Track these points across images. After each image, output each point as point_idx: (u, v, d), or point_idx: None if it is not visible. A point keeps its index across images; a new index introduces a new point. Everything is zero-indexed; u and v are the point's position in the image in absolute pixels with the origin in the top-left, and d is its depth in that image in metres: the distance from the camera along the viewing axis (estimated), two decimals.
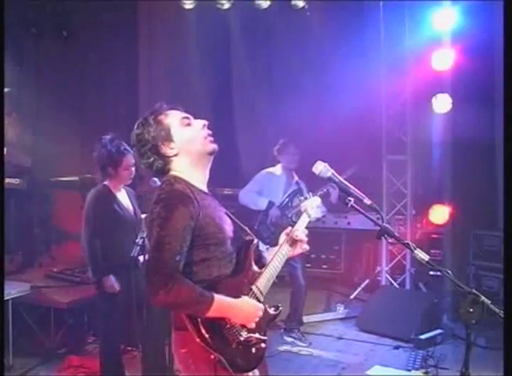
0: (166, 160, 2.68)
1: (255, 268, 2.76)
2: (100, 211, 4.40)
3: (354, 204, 2.67)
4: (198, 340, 2.47)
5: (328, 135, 7.23)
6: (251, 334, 2.61)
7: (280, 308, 2.83)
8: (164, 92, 8.01)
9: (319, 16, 7.79)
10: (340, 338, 6.42)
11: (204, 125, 2.73)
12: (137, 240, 4.07)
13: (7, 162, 6.09)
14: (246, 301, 2.60)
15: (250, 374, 2.67)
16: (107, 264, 4.40)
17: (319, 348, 6.13)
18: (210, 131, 2.73)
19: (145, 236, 4.09)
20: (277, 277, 6.78)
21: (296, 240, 2.84)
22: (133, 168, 4.49)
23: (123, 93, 8.06)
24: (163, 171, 2.70)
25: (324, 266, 8.53)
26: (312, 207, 2.96)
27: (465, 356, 2.40)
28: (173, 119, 2.70)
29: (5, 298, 4.97)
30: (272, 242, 2.90)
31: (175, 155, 2.67)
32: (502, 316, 2.39)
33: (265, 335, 2.71)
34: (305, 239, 2.85)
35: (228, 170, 6.99)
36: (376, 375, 5.39)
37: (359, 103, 7.11)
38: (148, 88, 8.35)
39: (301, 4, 7.72)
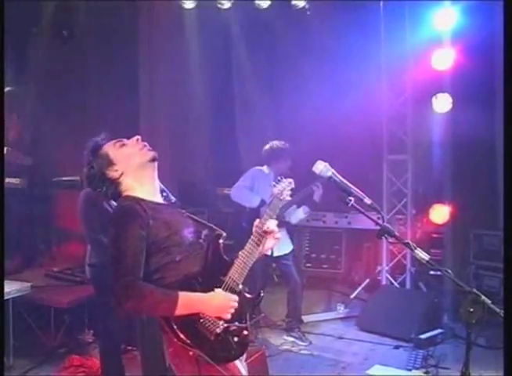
0: (115, 183, 2.83)
1: (226, 260, 2.83)
2: (93, 212, 4.38)
3: (354, 204, 2.68)
4: (175, 339, 2.59)
5: (328, 134, 7.23)
6: (229, 324, 2.68)
7: (261, 294, 2.89)
8: (164, 91, 8.00)
9: (319, 16, 7.79)
10: (341, 338, 6.42)
11: (137, 139, 2.88)
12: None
13: (7, 162, 6.09)
14: (216, 294, 2.68)
15: (238, 362, 2.73)
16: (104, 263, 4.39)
17: (320, 347, 6.13)
18: (144, 143, 2.87)
19: None
20: (277, 276, 6.78)
21: (267, 232, 2.87)
22: None
23: (123, 92, 8.03)
24: (116, 195, 2.84)
25: (324, 266, 8.54)
26: (284, 189, 2.93)
27: (465, 356, 2.40)
28: (107, 147, 2.86)
29: (5, 298, 4.96)
30: None
31: (121, 175, 2.81)
32: (502, 315, 2.39)
33: (246, 322, 2.77)
34: (276, 229, 2.89)
35: (228, 169, 6.99)
36: (377, 375, 5.40)
37: (360, 103, 7.12)
38: (148, 87, 8.34)
39: (301, 4, 7.72)
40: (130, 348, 5.39)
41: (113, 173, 2.81)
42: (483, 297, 2.37)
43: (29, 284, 5.44)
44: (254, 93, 8.48)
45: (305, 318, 6.61)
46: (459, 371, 2.43)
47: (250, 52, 8.41)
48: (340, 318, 7.11)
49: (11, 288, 5.12)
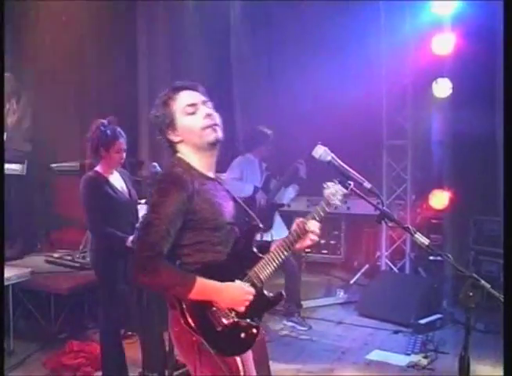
0: (171, 144, 2.74)
1: (256, 253, 2.75)
2: (94, 197, 4.37)
3: (354, 188, 2.67)
4: (182, 321, 2.54)
5: (328, 119, 7.21)
6: (240, 319, 2.62)
7: (283, 294, 2.81)
8: (163, 78, 7.97)
9: (318, 2, 7.74)
10: (340, 323, 6.44)
11: (207, 115, 2.70)
12: (137, 225, 4.07)
13: (7, 148, 6.08)
14: (233, 285, 2.61)
15: (238, 359, 2.64)
16: (107, 249, 4.40)
17: (319, 332, 6.15)
18: (213, 121, 2.70)
19: None
20: None
21: (307, 231, 2.74)
22: (124, 154, 4.48)
23: (122, 79, 8.02)
24: (171, 150, 2.76)
25: (324, 251, 8.55)
26: (335, 194, 2.76)
27: (464, 341, 2.41)
28: (178, 106, 2.70)
29: (6, 284, 4.98)
30: (266, 226, 2.87)
31: (180, 142, 2.72)
32: (502, 299, 2.39)
33: (259, 321, 2.69)
34: (317, 231, 2.76)
35: (226, 155, 6.97)
36: (376, 360, 5.42)
37: (359, 88, 7.09)
38: (147, 74, 8.32)
39: None
40: (130, 333, 5.42)
41: (172, 136, 2.71)
42: (482, 281, 2.36)
43: (29, 270, 5.46)
44: (253, 81, 8.45)
45: (305, 303, 6.63)
46: (458, 356, 2.42)
47: (250, 38, 8.38)
48: (340, 303, 7.13)
49: (11, 274, 5.14)
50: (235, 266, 2.68)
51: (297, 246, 2.76)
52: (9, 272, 5.11)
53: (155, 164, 4.44)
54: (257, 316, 2.69)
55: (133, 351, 4.86)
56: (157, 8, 8.16)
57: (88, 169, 4.57)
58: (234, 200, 2.81)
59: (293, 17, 7.96)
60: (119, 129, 4.43)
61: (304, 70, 7.85)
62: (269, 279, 2.75)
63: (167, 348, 4.59)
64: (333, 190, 2.75)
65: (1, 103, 4.48)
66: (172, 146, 2.75)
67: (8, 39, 5.83)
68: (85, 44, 7.95)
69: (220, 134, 2.71)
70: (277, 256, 2.73)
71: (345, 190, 2.76)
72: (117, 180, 4.53)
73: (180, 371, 4.54)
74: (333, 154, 2.70)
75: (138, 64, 8.25)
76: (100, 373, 4.64)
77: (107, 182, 4.44)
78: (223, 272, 2.61)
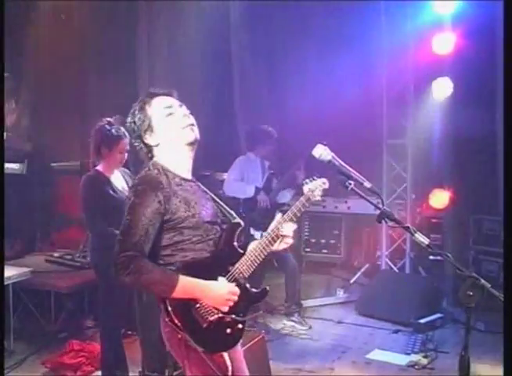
0: (149, 148, 2.80)
1: (238, 250, 2.79)
2: (95, 196, 4.37)
3: (354, 188, 2.67)
4: (167, 319, 2.58)
5: (328, 119, 7.20)
6: (225, 315, 2.65)
7: (267, 289, 2.86)
8: (163, 78, 7.96)
9: (319, 0, 7.73)
10: (340, 322, 6.45)
11: (185, 115, 2.78)
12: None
13: (6, 147, 6.07)
14: (217, 284, 2.66)
15: (227, 358, 2.66)
16: (107, 248, 4.39)
17: (319, 332, 6.16)
18: (191, 121, 2.78)
19: None
20: (276, 260, 6.78)
21: (281, 236, 2.81)
22: (126, 154, 4.48)
23: (123, 78, 8.01)
24: (147, 157, 2.82)
25: (324, 251, 8.54)
26: (315, 190, 2.86)
27: (464, 340, 2.41)
28: (155, 109, 2.77)
29: (6, 283, 4.97)
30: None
31: (157, 145, 2.77)
32: (502, 299, 2.39)
33: (244, 316, 2.73)
34: (290, 235, 2.83)
35: (227, 154, 6.97)
36: (376, 359, 5.43)
37: (360, 87, 7.09)
38: (148, 73, 8.31)
39: None
40: (130, 332, 5.42)
41: (150, 140, 2.77)
42: (482, 281, 2.36)
43: (29, 269, 5.46)
44: (254, 78, 8.43)
45: (305, 303, 6.64)
46: (457, 355, 2.43)
47: (250, 37, 8.36)
48: (340, 303, 7.13)
49: (11, 273, 5.14)
50: (217, 263, 2.72)
51: (273, 248, 2.82)
52: (9, 272, 5.11)
53: None
54: (242, 311, 2.73)
55: (133, 350, 4.85)
56: (157, 8, 8.14)
57: (91, 168, 4.57)
58: (213, 199, 2.87)
59: (293, 17, 7.95)
60: (123, 129, 4.43)
61: (304, 69, 7.86)
62: (252, 275, 2.78)
63: (167, 348, 4.58)
64: (313, 186, 2.84)
65: (1, 102, 4.46)
66: (149, 151, 2.80)
67: (8, 39, 5.82)
68: (85, 43, 7.94)
69: (198, 134, 2.78)
70: (258, 253, 2.77)
71: (325, 186, 2.87)
72: (118, 180, 4.53)
73: (180, 371, 4.53)
74: (333, 154, 2.70)
75: (139, 64, 8.24)
76: (100, 372, 4.64)
77: (108, 181, 4.44)
78: (205, 270, 2.66)
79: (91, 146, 4.50)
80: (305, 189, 2.86)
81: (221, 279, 2.68)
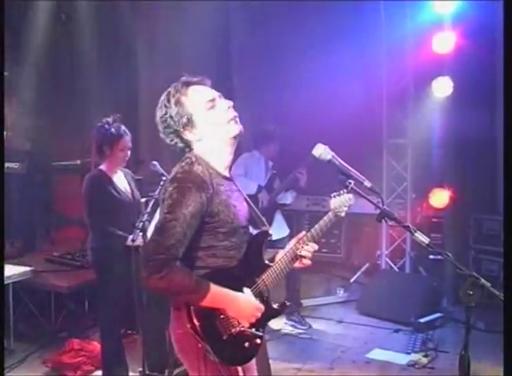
0: (188, 143, 2.62)
1: (265, 261, 2.70)
2: (97, 196, 4.38)
3: (354, 187, 2.67)
4: (188, 326, 2.44)
5: (329, 118, 7.20)
6: (246, 329, 2.54)
7: (287, 304, 2.79)
8: (164, 74, 7.95)
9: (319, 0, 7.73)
10: (340, 322, 6.45)
11: (229, 107, 2.62)
12: (137, 224, 4.07)
13: (6, 147, 6.07)
14: (245, 298, 2.55)
15: (240, 369, 2.57)
16: (108, 248, 4.39)
17: (319, 331, 6.16)
18: (235, 113, 2.63)
19: (144, 219, 4.09)
20: None
21: (300, 256, 2.75)
22: (128, 152, 4.48)
23: (123, 76, 8.01)
24: (185, 151, 2.63)
25: (324, 250, 8.51)
26: (342, 205, 2.83)
27: (465, 339, 2.40)
28: (196, 102, 2.58)
29: (6, 282, 4.98)
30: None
31: (199, 140, 2.60)
32: (502, 298, 2.39)
33: (263, 332, 2.63)
34: (309, 255, 2.76)
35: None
36: (376, 358, 5.43)
37: (360, 87, 7.09)
38: (148, 73, 8.30)
39: None
40: (130, 332, 5.42)
41: (190, 135, 2.58)
42: (482, 280, 2.36)
43: (29, 269, 5.46)
44: (254, 78, 8.43)
45: (305, 302, 6.63)
46: (458, 355, 2.42)
47: (250, 40, 8.37)
48: (340, 302, 7.13)
49: (11, 273, 5.15)
50: (244, 273, 2.62)
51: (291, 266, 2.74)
52: (10, 271, 5.12)
53: (155, 162, 4.43)
54: (262, 326, 2.63)
55: (133, 350, 4.86)
56: (157, 7, 8.13)
57: (93, 167, 4.58)
58: (246, 201, 2.73)
59: (293, 16, 7.94)
60: (123, 127, 4.43)
61: (304, 69, 7.84)
62: (274, 288, 2.70)
63: (167, 347, 4.59)
64: (341, 201, 2.80)
65: (1, 102, 4.46)
66: (187, 146, 2.62)
67: (8, 39, 5.82)
68: (85, 43, 7.93)
69: (241, 126, 2.63)
70: (283, 266, 2.69)
71: (351, 202, 2.81)
72: (120, 180, 4.53)
73: (180, 369, 4.53)
74: (333, 153, 2.69)
75: (139, 64, 8.24)
76: (100, 371, 4.65)
77: (111, 181, 4.45)
78: (233, 279, 2.55)
79: (93, 146, 4.50)
80: (332, 204, 2.81)
81: (246, 290, 2.58)
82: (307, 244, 2.76)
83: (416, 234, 2.52)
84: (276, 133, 6.27)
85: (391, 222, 2.63)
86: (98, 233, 4.45)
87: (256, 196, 6.13)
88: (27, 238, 7.09)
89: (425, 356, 5.38)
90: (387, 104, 7.46)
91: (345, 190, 2.77)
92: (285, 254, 2.72)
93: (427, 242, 2.51)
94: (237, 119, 2.62)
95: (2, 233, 4.19)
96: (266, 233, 2.72)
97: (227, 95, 2.72)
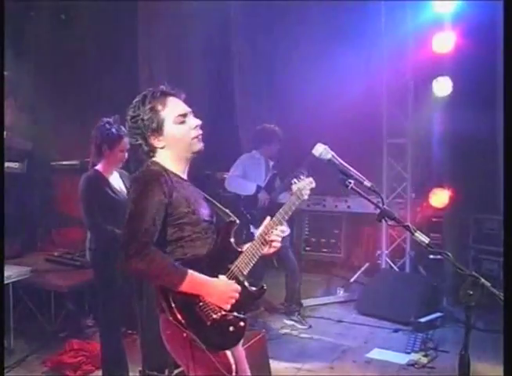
0: (152, 148, 2.77)
1: (236, 248, 2.81)
2: (94, 196, 4.37)
3: (354, 187, 2.67)
4: (171, 318, 2.56)
5: (329, 118, 7.20)
6: (227, 313, 2.66)
7: (264, 287, 2.87)
8: (163, 76, 7.96)
9: (319, 0, 7.73)
10: (340, 321, 6.45)
11: (196, 126, 2.78)
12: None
13: (7, 146, 6.07)
14: (221, 281, 2.68)
15: (231, 358, 2.69)
16: (106, 247, 4.39)
17: (319, 331, 6.16)
18: (200, 132, 2.79)
19: None
20: (276, 260, 6.79)
21: (269, 240, 2.86)
22: (126, 153, 4.48)
23: (123, 77, 8.00)
24: (147, 155, 2.79)
25: (324, 250, 8.55)
26: (304, 189, 2.97)
27: (464, 339, 2.41)
28: (169, 113, 2.75)
29: (6, 282, 4.98)
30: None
31: (162, 147, 2.76)
32: (502, 297, 2.39)
33: (245, 314, 2.74)
34: (278, 239, 2.87)
35: (228, 153, 6.97)
36: (376, 358, 5.43)
37: (360, 86, 7.08)
38: (148, 72, 8.30)
39: None
40: (130, 331, 5.42)
41: (155, 141, 2.74)
42: (482, 280, 2.36)
43: (29, 269, 5.46)
44: (254, 75, 8.44)
45: (305, 302, 6.64)
46: (457, 354, 2.43)
47: (250, 36, 8.36)
48: (340, 302, 7.14)
49: (11, 272, 5.15)
50: (216, 261, 2.75)
51: (264, 252, 2.86)
52: (10, 271, 5.12)
53: None
54: (243, 309, 2.74)
55: (133, 350, 4.85)
56: (157, 8, 8.13)
57: (90, 167, 4.57)
58: (206, 200, 2.88)
59: (293, 16, 7.95)
60: (123, 128, 4.43)
61: (304, 69, 7.85)
62: (252, 274, 2.82)
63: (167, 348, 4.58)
64: (301, 186, 2.95)
65: (1, 102, 4.46)
66: (151, 151, 2.78)
67: (8, 39, 5.82)
68: (86, 43, 7.93)
69: (202, 144, 2.81)
70: (255, 251, 2.80)
71: (312, 185, 2.99)
72: (116, 180, 4.53)
73: (180, 369, 4.53)
74: (333, 153, 2.70)
75: (139, 64, 8.23)
76: (100, 371, 4.64)
77: (107, 181, 4.45)
78: (205, 268, 2.66)
79: (92, 146, 4.49)
80: (294, 188, 2.94)
81: (221, 277, 2.69)
82: (276, 229, 2.86)
83: (416, 234, 2.52)
84: (276, 133, 6.26)
85: (390, 222, 2.64)
86: (96, 233, 4.45)
87: (256, 196, 6.14)
88: (27, 238, 7.09)
89: (425, 355, 5.38)
90: (387, 104, 7.46)
91: (306, 174, 3.02)
92: (255, 240, 2.84)
93: (426, 242, 2.52)
94: (200, 137, 2.80)
95: (2, 233, 4.19)
96: (233, 223, 2.85)
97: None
